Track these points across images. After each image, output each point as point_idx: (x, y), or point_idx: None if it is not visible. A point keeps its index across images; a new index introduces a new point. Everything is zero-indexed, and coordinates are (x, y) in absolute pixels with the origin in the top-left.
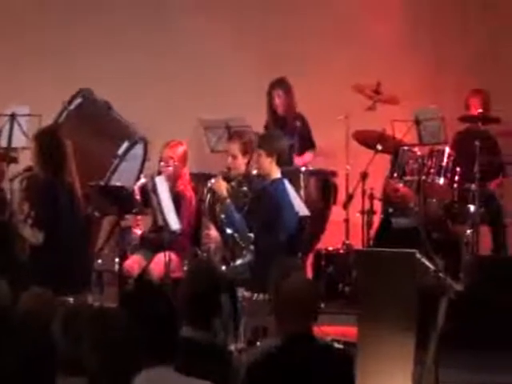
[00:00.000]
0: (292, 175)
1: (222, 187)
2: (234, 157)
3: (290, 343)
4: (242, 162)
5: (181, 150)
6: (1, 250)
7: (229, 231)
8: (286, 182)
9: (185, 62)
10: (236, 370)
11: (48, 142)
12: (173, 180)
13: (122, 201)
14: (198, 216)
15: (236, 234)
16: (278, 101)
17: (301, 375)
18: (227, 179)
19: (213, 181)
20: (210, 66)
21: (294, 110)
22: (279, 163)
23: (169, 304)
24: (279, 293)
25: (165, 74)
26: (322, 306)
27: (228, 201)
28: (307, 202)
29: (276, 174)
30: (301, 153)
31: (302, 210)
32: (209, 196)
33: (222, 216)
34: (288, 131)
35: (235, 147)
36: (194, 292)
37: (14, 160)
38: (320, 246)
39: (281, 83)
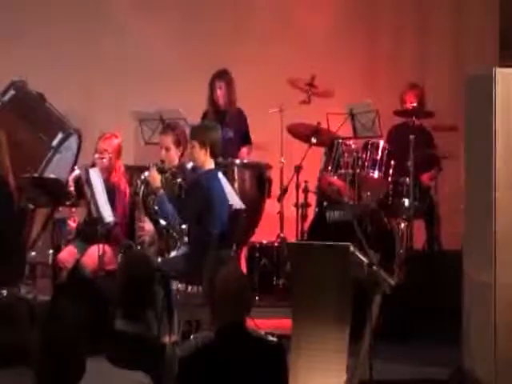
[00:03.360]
0: (226, 168)
1: (157, 178)
2: (168, 149)
3: (223, 336)
4: (175, 153)
5: (115, 142)
6: None
7: (162, 223)
8: (220, 174)
9: (121, 54)
10: (169, 363)
11: None
12: (107, 172)
13: (55, 193)
14: (133, 208)
15: (169, 226)
16: (220, 92)
17: (234, 368)
18: (161, 171)
19: (147, 173)
20: (146, 59)
21: (234, 103)
22: (213, 154)
23: (100, 296)
24: (212, 285)
25: (100, 66)
26: (256, 299)
27: (161, 192)
28: (241, 195)
29: (209, 165)
30: (237, 147)
31: (236, 202)
32: (142, 188)
33: (156, 207)
34: (227, 124)
35: (168, 139)
36: (127, 282)
37: None
38: (254, 238)
39: (223, 75)
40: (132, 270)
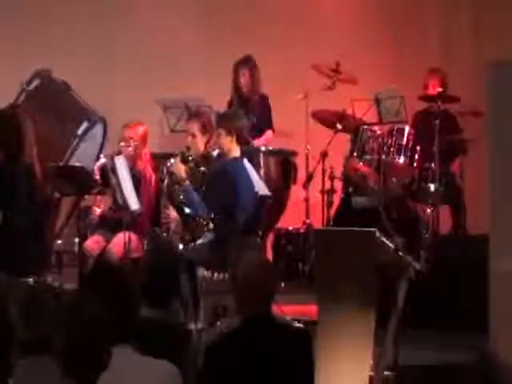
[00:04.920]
0: (252, 154)
1: (181, 169)
2: (194, 136)
3: (249, 323)
4: (201, 140)
5: (141, 130)
6: None
7: (188, 211)
8: (246, 162)
9: (145, 41)
10: (195, 351)
11: (6, 123)
12: (133, 160)
13: (81, 181)
14: (158, 196)
15: (195, 214)
16: (243, 79)
17: (260, 355)
18: (186, 159)
19: (171, 162)
20: (170, 46)
21: (258, 89)
22: (238, 142)
23: (127, 284)
24: (236, 273)
25: (125, 54)
26: (282, 285)
27: (187, 182)
28: (267, 182)
29: (235, 152)
30: (259, 132)
31: (262, 189)
32: (167, 177)
33: (181, 197)
34: (251, 110)
35: (194, 126)
36: (152, 270)
37: None
38: (280, 225)
39: (246, 62)
40: (157, 257)
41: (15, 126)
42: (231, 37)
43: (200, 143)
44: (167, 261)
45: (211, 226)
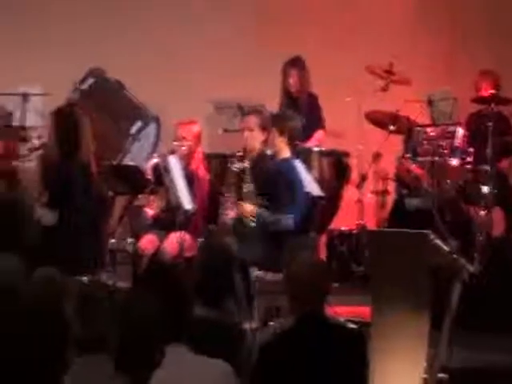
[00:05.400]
0: (305, 155)
1: (247, 210)
2: (251, 129)
3: (302, 323)
4: (257, 135)
5: (194, 129)
6: (12, 229)
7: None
8: (298, 162)
9: (198, 41)
10: (249, 350)
11: (65, 120)
12: (186, 159)
13: (134, 180)
14: (212, 195)
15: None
16: (292, 80)
17: (313, 355)
18: (242, 160)
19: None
20: (221, 46)
21: (306, 90)
22: (291, 143)
23: (181, 283)
24: (290, 273)
25: (178, 53)
26: (336, 286)
27: (258, 211)
28: (320, 182)
29: (286, 153)
30: (309, 132)
31: (315, 189)
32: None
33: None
34: (301, 111)
35: (252, 120)
36: (206, 270)
37: (27, 139)
38: (333, 226)
39: (295, 62)
40: (210, 257)
41: (73, 124)
42: (284, 38)
43: (257, 137)
44: (220, 260)
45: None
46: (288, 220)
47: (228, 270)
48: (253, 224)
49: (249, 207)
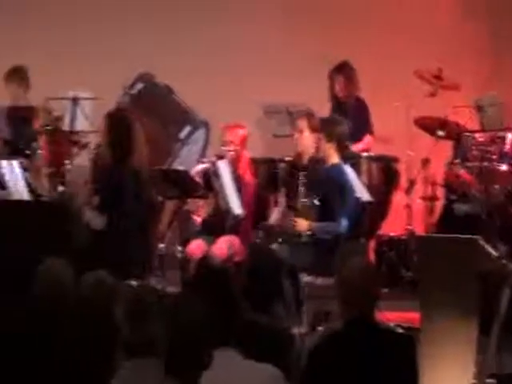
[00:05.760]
0: (354, 161)
1: (303, 226)
2: (301, 131)
3: (352, 327)
4: (309, 137)
5: (241, 132)
6: (62, 232)
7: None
8: (347, 167)
9: (247, 45)
10: (298, 355)
11: (118, 124)
12: (233, 164)
13: (183, 185)
14: (259, 200)
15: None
16: (338, 86)
17: (363, 359)
18: (295, 167)
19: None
20: (272, 50)
21: (354, 95)
22: (339, 148)
23: (230, 287)
24: (341, 278)
25: (227, 57)
26: (384, 291)
27: (313, 225)
28: (369, 188)
29: (335, 159)
30: (358, 137)
31: (364, 195)
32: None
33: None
34: (348, 116)
35: (303, 123)
36: (253, 275)
37: (77, 143)
38: (382, 231)
39: (342, 68)
40: (257, 262)
41: (126, 128)
42: (335, 43)
43: (306, 140)
44: (268, 264)
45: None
46: (339, 228)
47: (276, 275)
48: (307, 238)
49: (304, 223)
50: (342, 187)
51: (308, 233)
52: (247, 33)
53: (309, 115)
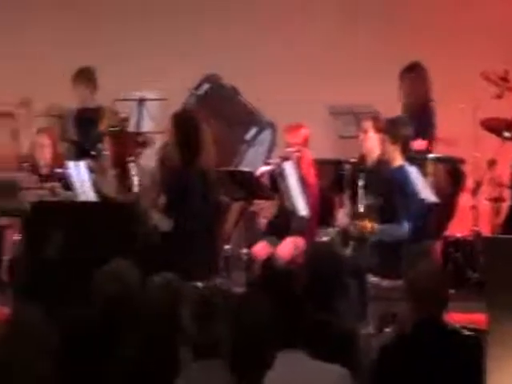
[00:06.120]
0: (420, 162)
1: (368, 227)
2: (366, 132)
3: (421, 329)
4: (373, 138)
5: (302, 132)
6: (128, 233)
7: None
8: (412, 169)
9: (314, 46)
10: (364, 356)
11: (186, 125)
12: (297, 164)
13: (250, 186)
14: (324, 201)
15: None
16: (407, 87)
17: (432, 361)
18: (359, 168)
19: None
20: (338, 51)
21: (422, 97)
22: (404, 150)
23: (294, 289)
24: (409, 280)
25: (293, 58)
26: (451, 292)
27: (375, 227)
28: (435, 189)
29: (399, 160)
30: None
31: (430, 196)
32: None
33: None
34: (414, 118)
35: (368, 124)
36: (315, 276)
37: (143, 144)
38: (448, 232)
39: (412, 69)
40: (318, 263)
41: (194, 129)
42: (403, 44)
43: (371, 141)
44: (328, 266)
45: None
46: (401, 231)
47: (336, 277)
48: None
49: (368, 224)
50: (405, 189)
51: (370, 235)
52: (314, 33)
53: (374, 116)
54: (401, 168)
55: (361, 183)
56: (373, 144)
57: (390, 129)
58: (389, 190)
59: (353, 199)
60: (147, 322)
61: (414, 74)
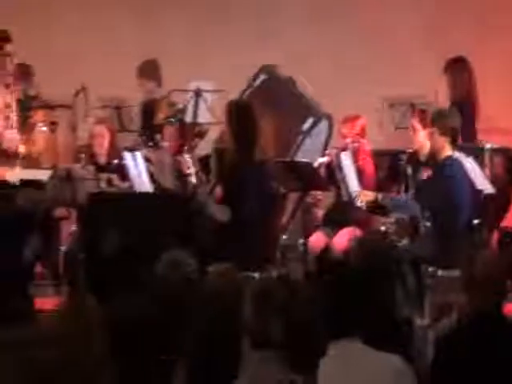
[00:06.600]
0: (476, 153)
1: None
2: (414, 130)
3: (480, 320)
4: (422, 134)
5: (359, 123)
6: (186, 224)
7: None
8: (467, 160)
9: (373, 37)
10: (421, 346)
11: (241, 115)
12: (354, 155)
13: (306, 177)
14: (379, 191)
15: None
16: (451, 81)
17: (489, 353)
18: (415, 161)
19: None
20: (396, 41)
21: (462, 92)
22: (453, 142)
23: (350, 279)
24: (468, 271)
25: (351, 49)
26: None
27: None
28: (492, 180)
29: (448, 151)
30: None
31: (486, 187)
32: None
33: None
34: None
35: (415, 121)
36: (367, 266)
37: (201, 135)
38: (505, 223)
39: (453, 64)
40: (368, 255)
41: (249, 119)
42: (455, 36)
43: (420, 137)
44: (379, 255)
45: (427, 224)
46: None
47: (389, 267)
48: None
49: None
50: (455, 183)
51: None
52: (374, 24)
53: (419, 112)
54: (449, 158)
55: (411, 173)
56: (423, 140)
57: (438, 120)
58: (434, 181)
59: (407, 190)
60: (207, 313)
61: (453, 68)
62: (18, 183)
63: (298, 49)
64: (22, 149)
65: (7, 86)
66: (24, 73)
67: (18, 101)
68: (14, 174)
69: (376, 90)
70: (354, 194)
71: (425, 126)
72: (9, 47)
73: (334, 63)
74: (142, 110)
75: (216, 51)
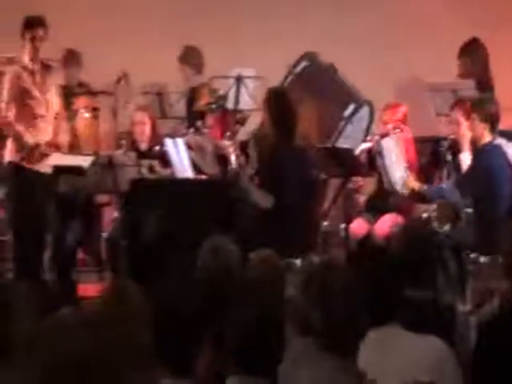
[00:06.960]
0: None
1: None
2: (458, 123)
3: None
4: (465, 125)
5: (401, 110)
6: (228, 211)
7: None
8: (508, 145)
9: (412, 22)
10: (463, 332)
11: (281, 102)
12: (396, 142)
13: (348, 163)
14: (422, 178)
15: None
16: (463, 67)
17: None
18: (457, 148)
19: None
20: (439, 28)
21: (474, 76)
22: (492, 129)
23: (392, 265)
24: (509, 255)
25: (389, 36)
26: None
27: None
28: None
29: (487, 137)
30: None
31: None
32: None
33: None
34: None
35: (457, 114)
36: (405, 253)
37: (242, 122)
38: None
39: (465, 48)
40: (407, 241)
41: (289, 106)
42: (488, 19)
43: (464, 130)
44: (420, 241)
45: (468, 210)
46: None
47: (430, 253)
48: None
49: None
50: (493, 171)
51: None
52: (412, 9)
53: (459, 102)
54: (489, 144)
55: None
56: (465, 131)
57: (477, 107)
58: (473, 168)
59: (449, 177)
60: (250, 299)
61: (466, 53)
62: (51, 171)
63: (339, 36)
64: (65, 137)
65: (48, 68)
66: (69, 59)
67: (63, 87)
68: (56, 160)
69: (417, 75)
70: (399, 181)
71: (468, 118)
72: (41, 32)
73: (374, 50)
74: (187, 97)
75: (258, 38)
